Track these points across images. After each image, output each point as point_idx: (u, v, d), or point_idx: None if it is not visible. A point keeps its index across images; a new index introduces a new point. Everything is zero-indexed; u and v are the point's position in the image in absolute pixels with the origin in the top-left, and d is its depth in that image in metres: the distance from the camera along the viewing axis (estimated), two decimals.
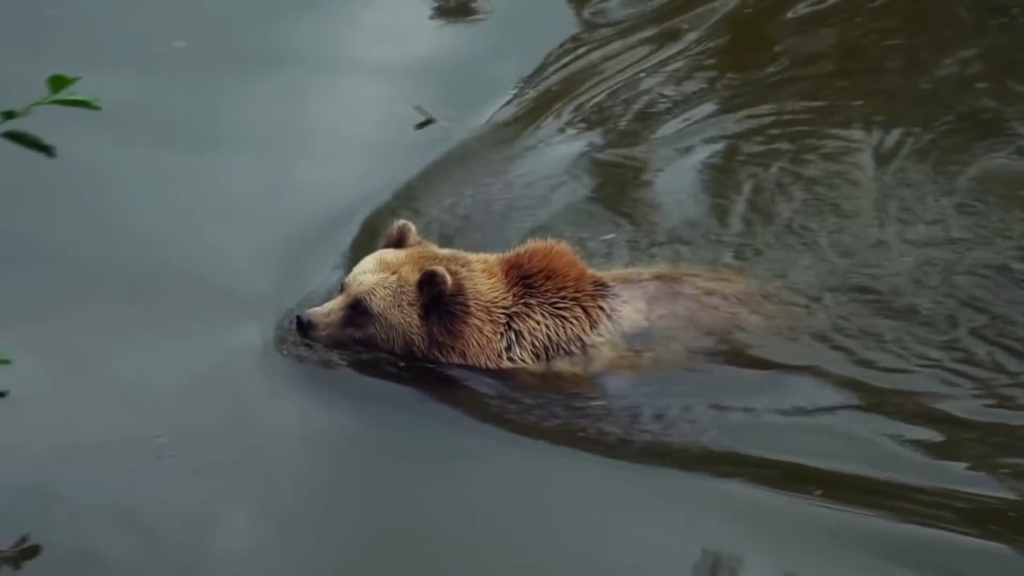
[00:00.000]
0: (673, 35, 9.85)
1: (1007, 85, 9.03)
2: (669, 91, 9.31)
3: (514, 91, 9.34)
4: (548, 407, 6.77)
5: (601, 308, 6.98)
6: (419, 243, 7.08)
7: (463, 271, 6.91)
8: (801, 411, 6.71)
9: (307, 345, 6.95)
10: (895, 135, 8.58)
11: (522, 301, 6.95)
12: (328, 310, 6.91)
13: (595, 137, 8.92)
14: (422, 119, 9.04)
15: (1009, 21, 9.76)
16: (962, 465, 6.41)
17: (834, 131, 8.70)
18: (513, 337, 6.93)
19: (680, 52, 9.66)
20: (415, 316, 6.88)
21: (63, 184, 7.91)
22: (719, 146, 8.72)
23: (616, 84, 9.38)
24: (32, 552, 5.85)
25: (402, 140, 8.83)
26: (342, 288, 6.98)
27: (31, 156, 5.10)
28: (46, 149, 4.93)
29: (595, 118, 9.10)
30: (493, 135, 8.92)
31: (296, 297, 7.32)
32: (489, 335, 6.91)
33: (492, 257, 7.06)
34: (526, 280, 6.97)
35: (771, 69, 9.45)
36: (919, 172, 8.27)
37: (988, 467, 6.38)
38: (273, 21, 9.77)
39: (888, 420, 6.63)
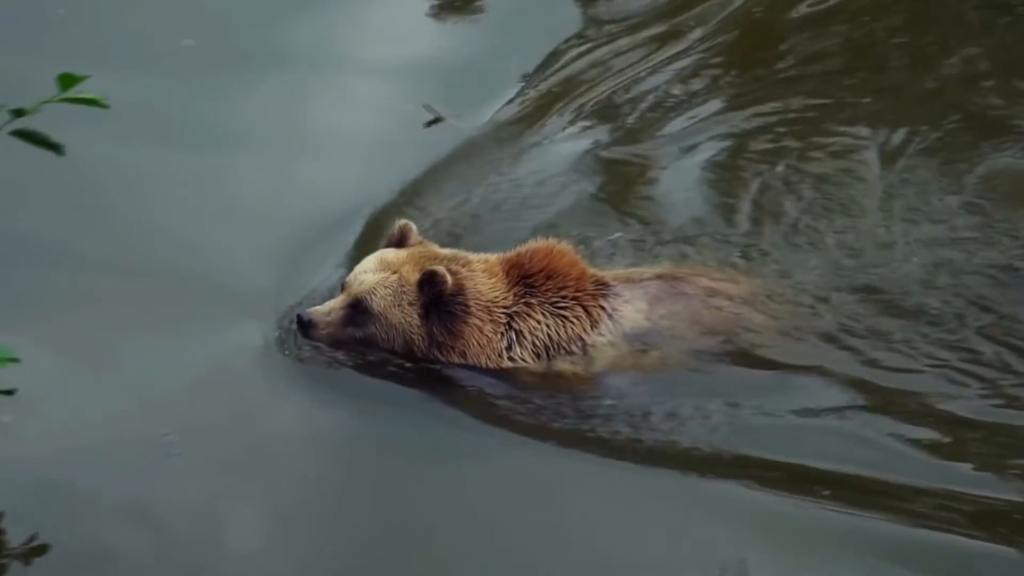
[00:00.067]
0: (679, 33, 9.84)
1: (1013, 84, 9.01)
2: (676, 89, 9.29)
3: (520, 89, 9.34)
4: (549, 407, 6.76)
5: (602, 308, 6.97)
6: (420, 243, 7.08)
7: (463, 271, 6.90)
8: (806, 412, 6.69)
9: (315, 346, 6.97)
10: (901, 133, 8.56)
11: (523, 300, 6.95)
12: (328, 309, 6.91)
13: (602, 134, 8.91)
14: (431, 117, 9.04)
15: (1015, 20, 9.73)
16: (968, 466, 6.39)
17: (840, 129, 8.69)
18: (514, 336, 6.92)
19: (687, 50, 9.65)
20: (415, 316, 6.88)
21: (67, 183, 7.93)
22: (725, 144, 8.71)
23: (622, 82, 9.37)
24: (41, 549, 5.86)
25: (409, 138, 8.84)
26: (343, 287, 6.98)
27: (33, 155, 5.16)
28: (55, 147, 4.98)
29: (602, 115, 9.09)
30: (500, 133, 8.91)
31: (299, 296, 7.33)
32: (489, 335, 6.90)
33: (493, 257, 7.05)
34: (527, 279, 6.96)
35: (778, 67, 9.44)
36: (926, 171, 8.26)
37: (995, 468, 6.36)
38: (277, 20, 9.77)
39: (894, 421, 6.61)
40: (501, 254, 7.08)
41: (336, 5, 10.02)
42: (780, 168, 8.36)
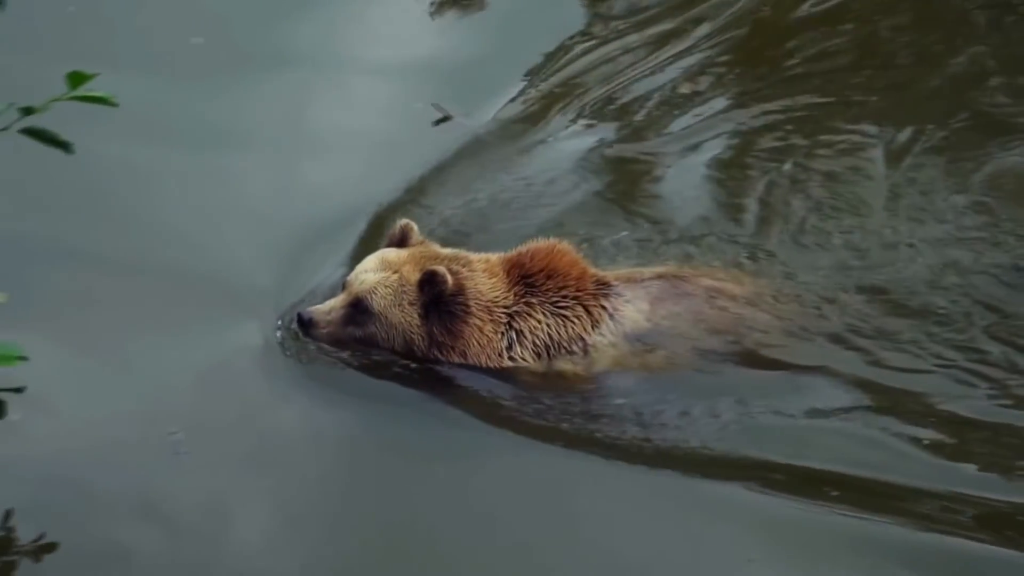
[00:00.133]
0: (686, 30, 9.81)
1: (1020, 83, 8.97)
2: (683, 87, 9.27)
3: (525, 88, 9.32)
4: (550, 407, 6.76)
5: (603, 307, 6.96)
6: (421, 243, 7.08)
7: (464, 271, 6.91)
8: (811, 412, 6.68)
9: (317, 345, 6.99)
10: (908, 132, 8.54)
11: (523, 300, 6.95)
12: (329, 308, 6.93)
13: (608, 132, 8.90)
14: (440, 116, 9.04)
15: (1020, 19, 9.68)
16: (974, 467, 6.37)
17: (847, 128, 8.67)
18: (514, 336, 6.92)
19: (693, 47, 9.62)
20: (415, 315, 6.89)
21: (69, 182, 7.96)
22: (732, 142, 8.69)
23: (629, 79, 9.35)
24: (50, 547, 5.89)
25: (414, 137, 8.83)
26: (344, 286, 6.99)
27: (38, 154, 5.18)
28: (64, 145, 5.00)
29: (608, 113, 9.08)
30: (506, 131, 8.90)
31: (303, 294, 7.35)
32: (490, 334, 6.91)
33: (494, 256, 7.05)
34: (527, 279, 6.96)
35: (784, 65, 9.41)
36: (933, 169, 8.23)
37: (1002, 470, 6.34)
38: (281, 20, 9.76)
39: (900, 422, 6.59)
40: (502, 254, 7.08)
41: (340, 4, 10.02)
42: (787, 166, 8.34)
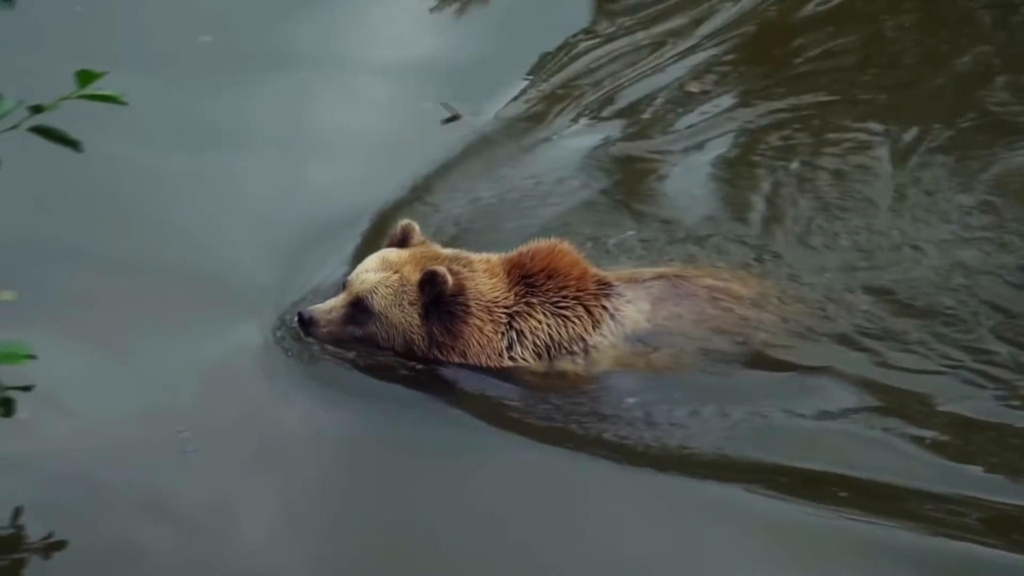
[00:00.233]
0: (692, 29, 9.80)
1: None
2: (689, 85, 9.26)
3: (529, 86, 9.31)
4: (551, 407, 6.75)
5: (604, 308, 6.95)
6: (422, 243, 7.08)
7: (464, 271, 6.90)
8: (817, 414, 6.66)
9: (320, 345, 7.00)
10: (914, 131, 8.53)
11: (524, 300, 6.94)
12: (330, 307, 6.93)
13: (614, 130, 8.90)
14: (448, 115, 9.04)
15: None
16: (980, 469, 6.34)
17: (853, 127, 8.66)
18: (514, 336, 6.92)
19: (700, 45, 9.62)
20: (416, 316, 6.88)
21: (72, 181, 7.97)
22: (738, 140, 8.68)
23: (634, 77, 9.34)
24: (59, 545, 5.89)
25: (419, 137, 8.82)
26: (345, 286, 6.99)
27: (43, 153, 5.19)
28: (73, 144, 4.99)
29: (614, 112, 9.07)
30: (511, 130, 8.90)
31: (304, 294, 7.37)
32: (490, 335, 6.90)
33: (495, 257, 7.04)
34: (528, 279, 6.95)
35: (790, 64, 9.40)
36: (939, 168, 8.21)
37: (1009, 472, 6.31)
38: (283, 20, 9.78)
39: (906, 423, 6.57)
40: (503, 254, 7.07)
41: (342, 4, 10.02)
42: (793, 165, 8.34)
